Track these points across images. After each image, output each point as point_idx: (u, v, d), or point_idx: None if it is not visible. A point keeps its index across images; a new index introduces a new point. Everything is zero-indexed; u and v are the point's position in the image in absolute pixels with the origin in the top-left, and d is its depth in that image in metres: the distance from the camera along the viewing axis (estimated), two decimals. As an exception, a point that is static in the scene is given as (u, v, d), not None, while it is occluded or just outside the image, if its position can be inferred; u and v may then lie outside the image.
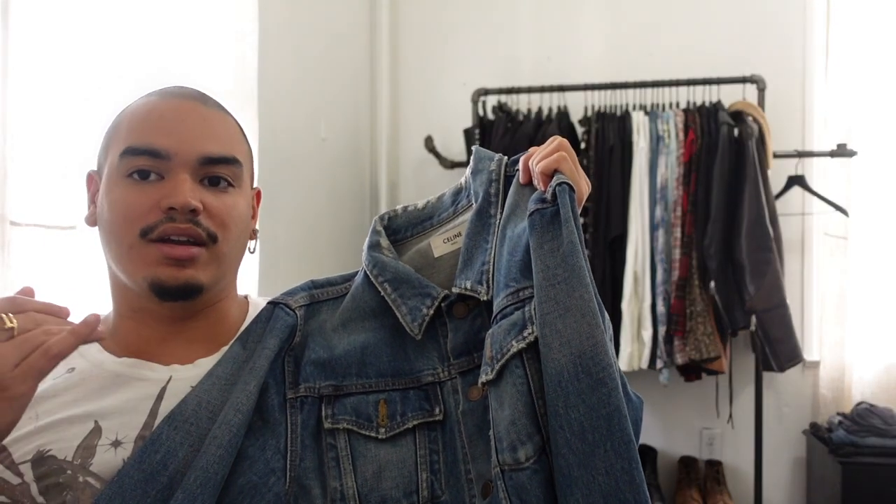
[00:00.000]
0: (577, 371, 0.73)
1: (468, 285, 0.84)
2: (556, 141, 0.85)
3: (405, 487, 0.82)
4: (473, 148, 0.94)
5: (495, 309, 0.81)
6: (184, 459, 0.78)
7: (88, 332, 0.76)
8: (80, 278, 1.59)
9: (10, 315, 0.74)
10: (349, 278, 0.92)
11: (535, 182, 0.84)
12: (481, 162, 0.91)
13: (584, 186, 0.84)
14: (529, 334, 0.77)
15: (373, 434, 0.83)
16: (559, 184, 0.79)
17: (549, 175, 0.82)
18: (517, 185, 0.87)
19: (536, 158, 0.84)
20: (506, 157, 0.91)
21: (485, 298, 0.83)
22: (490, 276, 0.84)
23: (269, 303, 0.90)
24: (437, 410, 0.84)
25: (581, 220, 0.85)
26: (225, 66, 2.06)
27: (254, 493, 0.79)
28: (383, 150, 3.07)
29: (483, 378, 0.79)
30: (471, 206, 0.91)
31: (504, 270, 0.82)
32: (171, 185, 0.83)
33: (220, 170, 0.86)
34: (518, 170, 0.88)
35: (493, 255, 0.85)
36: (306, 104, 2.53)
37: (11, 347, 0.72)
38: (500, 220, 0.86)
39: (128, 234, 0.83)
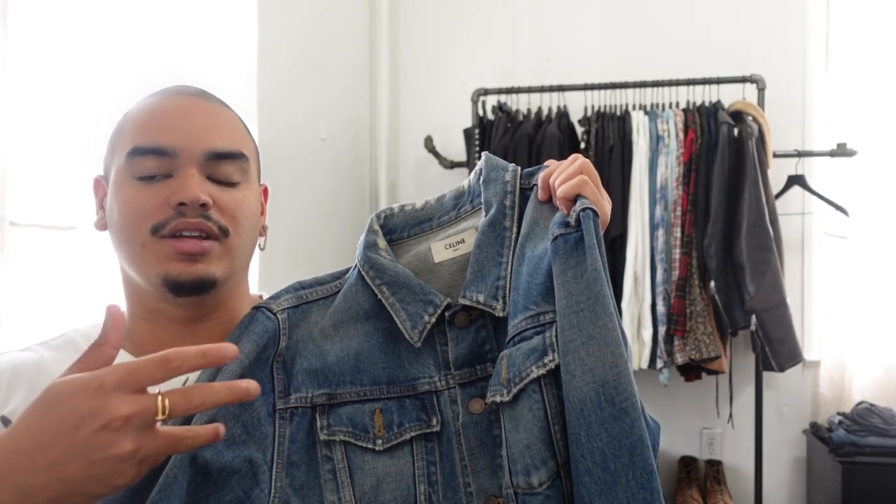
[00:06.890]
0: (599, 400, 0.72)
1: (481, 299, 0.82)
2: (577, 161, 0.82)
3: (403, 500, 0.81)
4: (484, 154, 0.90)
5: (512, 330, 0.80)
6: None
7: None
8: (80, 278, 1.60)
9: (167, 400, 0.62)
10: (339, 276, 0.90)
11: (556, 203, 0.82)
12: (494, 171, 0.88)
13: (607, 208, 0.82)
14: (550, 361, 0.76)
15: (370, 446, 0.82)
16: (583, 209, 0.77)
17: (570, 199, 0.79)
18: (535, 202, 0.85)
19: (558, 179, 0.81)
20: (520, 168, 0.89)
21: (500, 315, 0.81)
22: (506, 291, 0.82)
23: (252, 307, 0.87)
24: (434, 421, 0.83)
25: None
26: (225, 66, 2.06)
27: None
28: (383, 150, 3.07)
29: (498, 398, 0.78)
30: (476, 211, 0.89)
31: (523, 292, 0.80)
32: (179, 181, 0.82)
33: (227, 164, 0.85)
34: (535, 185, 0.85)
35: (509, 270, 0.82)
36: (306, 104, 2.53)
37: (155, 441, 0.62)
38: (515, 234, 0.84)
39: (139, 232, 0.82)
